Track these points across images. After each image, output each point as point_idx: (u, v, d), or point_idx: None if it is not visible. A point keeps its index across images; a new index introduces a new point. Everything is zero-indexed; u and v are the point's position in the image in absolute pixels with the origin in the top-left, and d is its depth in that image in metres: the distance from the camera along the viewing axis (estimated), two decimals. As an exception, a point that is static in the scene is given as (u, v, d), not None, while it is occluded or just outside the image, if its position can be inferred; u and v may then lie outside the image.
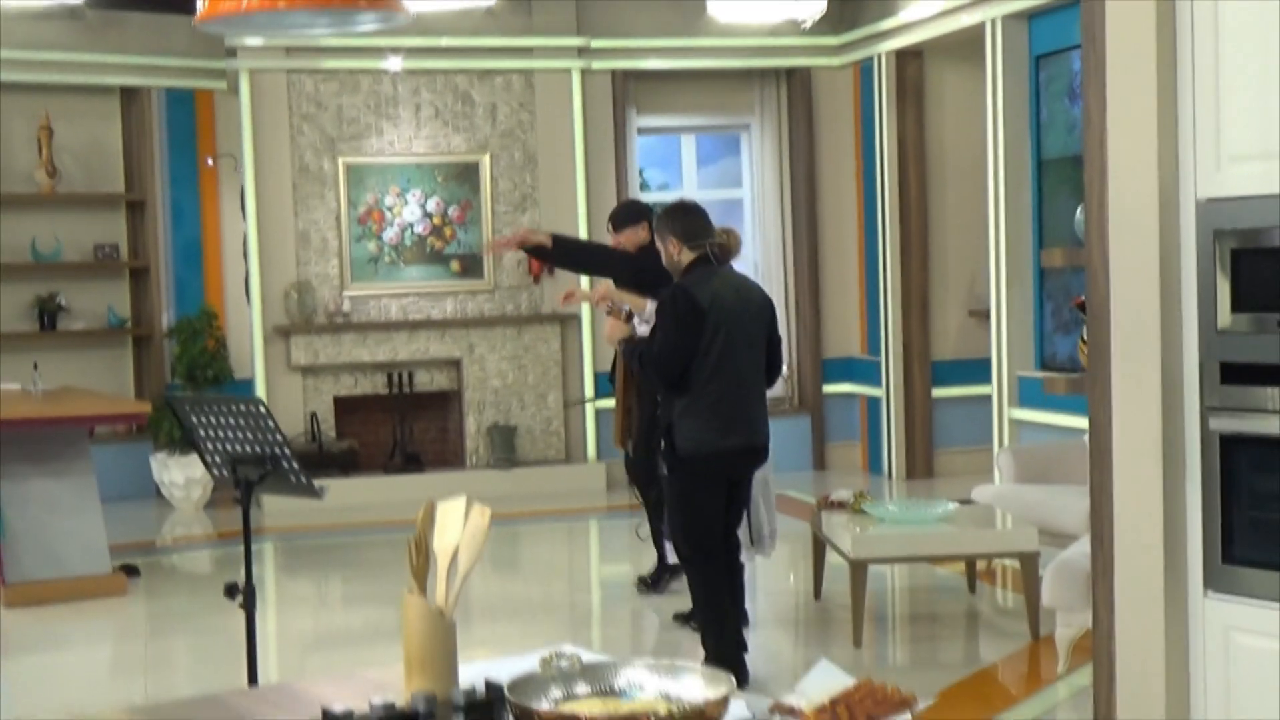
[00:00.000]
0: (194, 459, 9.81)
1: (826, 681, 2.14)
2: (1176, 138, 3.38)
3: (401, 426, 10.33)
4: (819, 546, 6.70)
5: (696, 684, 2.09)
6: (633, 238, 6.78)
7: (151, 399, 9.92)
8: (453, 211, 10.36)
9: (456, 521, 2.42)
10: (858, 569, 5.92)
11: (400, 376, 10.28)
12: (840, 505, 6.48)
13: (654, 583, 7.09)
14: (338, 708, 2.20)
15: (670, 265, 5.33)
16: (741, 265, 8.10)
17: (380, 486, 10.02)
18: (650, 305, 5.83)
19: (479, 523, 2.40)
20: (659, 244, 5.36)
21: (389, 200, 10.27)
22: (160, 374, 10.34)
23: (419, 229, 10.30)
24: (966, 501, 6.76)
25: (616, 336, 5.46)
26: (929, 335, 10.29)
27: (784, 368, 5.76)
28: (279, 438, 4.25)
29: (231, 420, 4.32)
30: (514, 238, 6.94)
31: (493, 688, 2.23)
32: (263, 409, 4.28)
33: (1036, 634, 5.96)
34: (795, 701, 2.09)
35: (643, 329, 5.73)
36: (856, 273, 10.91)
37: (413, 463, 10.28)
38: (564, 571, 8.47)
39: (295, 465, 4.27)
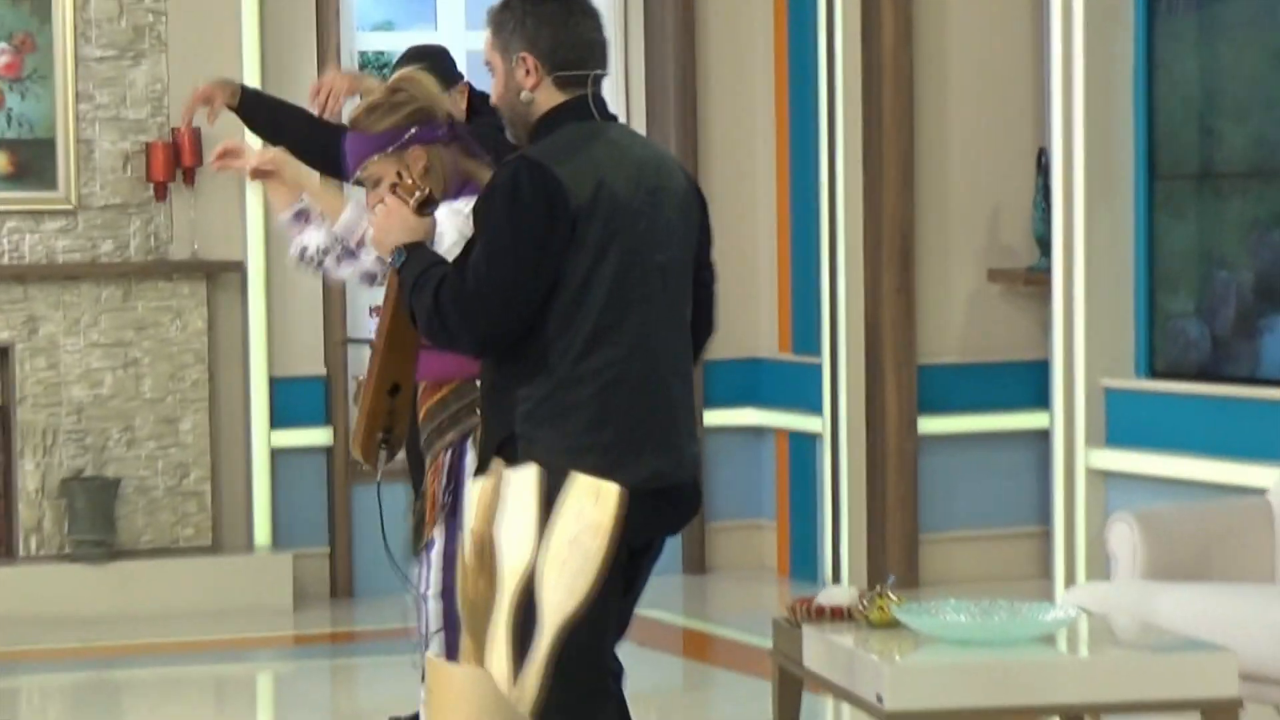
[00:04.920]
0: None
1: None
2: None
3: (-113, 478, 10.31)
4: (789, 693, 6.75)
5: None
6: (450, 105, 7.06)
7: None
8: (-1, 57, 10.42)
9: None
10: (899, 732, 5.98)
11: (-116, 381, 10.32)
12: (838, 615, 6.52)
13: None
14: None
15: (510, 112, 5.39)
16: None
17: None
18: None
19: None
20: (495, 65, 5.39)
21: None
22: None
23: (-70, 89, 10.43)
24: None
25: (396, 235, 5.31)
26: (914, 318, 10.52)
27: (715, 326, 5.83)
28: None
29: None
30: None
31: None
32: None
33: None
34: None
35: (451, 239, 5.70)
36: (773, 205, 11.21)
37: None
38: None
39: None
